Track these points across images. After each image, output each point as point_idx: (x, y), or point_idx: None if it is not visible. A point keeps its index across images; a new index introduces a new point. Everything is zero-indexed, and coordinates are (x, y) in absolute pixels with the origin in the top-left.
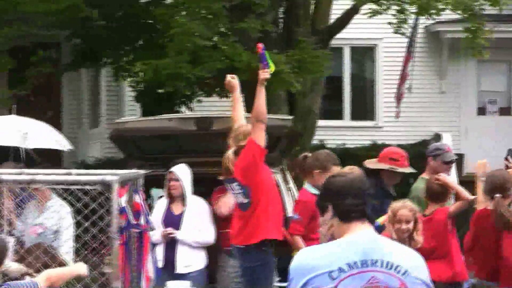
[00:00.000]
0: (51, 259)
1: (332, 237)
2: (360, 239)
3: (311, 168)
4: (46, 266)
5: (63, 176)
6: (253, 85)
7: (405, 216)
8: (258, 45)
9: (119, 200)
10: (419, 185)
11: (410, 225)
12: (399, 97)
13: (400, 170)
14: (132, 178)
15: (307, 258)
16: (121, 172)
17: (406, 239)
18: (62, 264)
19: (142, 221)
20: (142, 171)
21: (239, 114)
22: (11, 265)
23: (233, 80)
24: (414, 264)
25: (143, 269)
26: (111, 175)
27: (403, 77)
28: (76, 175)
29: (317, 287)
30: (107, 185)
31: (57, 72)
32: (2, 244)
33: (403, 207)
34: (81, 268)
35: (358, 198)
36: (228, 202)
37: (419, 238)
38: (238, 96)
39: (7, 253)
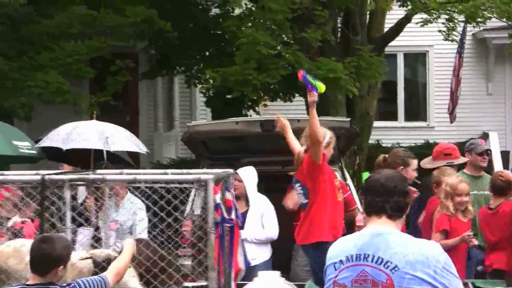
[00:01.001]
0: (153, 252)
1: None
2: (364, 234)
3: (393, 166)
4: (148, 259)
5: (163, 175)
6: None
7: (465, 189)
8: (298, 73)
9: (214, 197)
10: None
11: (468, 198)
12: (454, 103)
13: (456, 162)
14: (224, 177)
15: (329, 250)
16: (215, 171)
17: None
18: (162, 256)
19: (233, 216)
20: (232, 170)
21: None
22: (105, 250)
23: (283, 119)
24: (410, 260)
25: (233, 261)
26: (206, 174)
27: (456, 84)
28: (172, 174)
29: (328, 275)
30: (203, 183)
31: (135, 80)
32: (67, 242)
33: (462, 181)
34: (132, 248)
35: (378, 195)
36: (295, 197)
37: (472, 208)
38: (290, 136)
39: (72, 250)
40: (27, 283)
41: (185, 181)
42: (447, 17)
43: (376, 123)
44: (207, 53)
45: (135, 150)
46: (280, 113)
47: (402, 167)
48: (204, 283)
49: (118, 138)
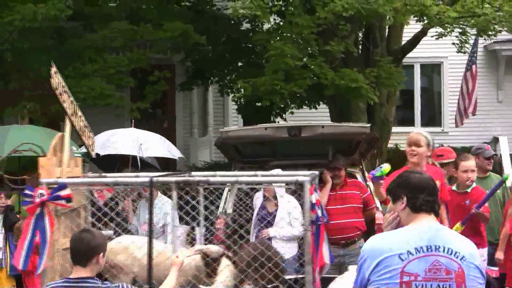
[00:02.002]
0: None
1: (397, 224)
2: (426, 228)
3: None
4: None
5: (264, 177)
6: (337, 99)
7: None
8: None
9: (311, 197)
10: None
11: None
12: (474, 109)
13: (446, 161)
14: (314, 178)
15: (380, 242)
16: (309, 173)
17: None
18: (273, 255)
19: (319, 214)
20: (317, 172)
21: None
22: (211, 247)
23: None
24: (470, 251)
25: (318, 256)
26: (303, 176)
27: (473, 91)
28: (261, 176)
29: (387, 267)
30: (300, 184)
31: (172, 89)
32: (103, 236)
33: None
34: (177, 272)
35: (431, 195)
36: (321, 199)
37: None
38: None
39: (106, 245)
40: (70, 276)
41: (282, 182)
42: (460, 30)
43: (395, 129)
44: (238, 65)
45: (167, 156)
46: (305, 120)
47: (455, 168)
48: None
49: (151, 144)
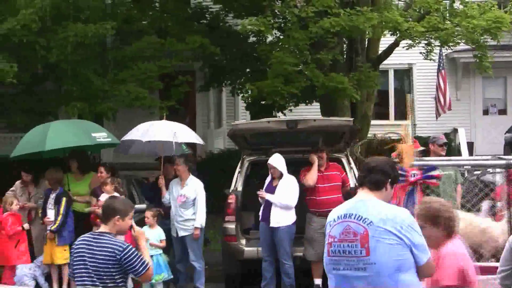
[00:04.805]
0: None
1: None
2: (352, 200)
3: None
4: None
5: (488, 161)
6: (326, 98)
7: None
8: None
9: None
10: None
11: None
12: (449, 105)
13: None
14: None
15: (330, 213)
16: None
17: None
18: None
19: None
20: None
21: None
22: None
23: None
24: (383, 218)
25: None
26: None
27: (445, 90)
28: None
29: (325, 230)
30: None
31: (193, 91)
32: (127, 201)
33: None
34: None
35: (362, 172)
36: (312, 176)
37: None
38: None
39: (127, 211)
40: (95, 231)
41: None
42: (426, 42)
43: (373, 122)
44: (247, 71)
45: (195, 142)
46: (301, 115)
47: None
48: None
49: (183, 132)
